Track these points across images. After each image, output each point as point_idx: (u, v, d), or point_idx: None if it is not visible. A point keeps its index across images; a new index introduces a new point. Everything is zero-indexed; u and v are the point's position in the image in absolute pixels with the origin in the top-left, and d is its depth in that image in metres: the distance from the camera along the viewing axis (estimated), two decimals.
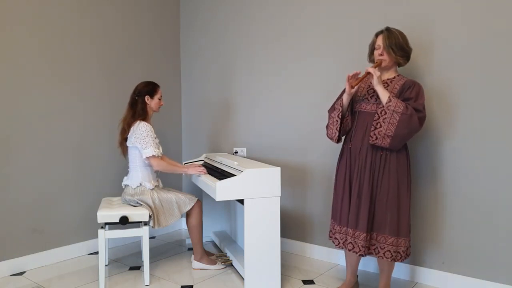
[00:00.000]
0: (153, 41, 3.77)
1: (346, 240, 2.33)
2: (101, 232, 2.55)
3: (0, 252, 2.77)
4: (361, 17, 2.83)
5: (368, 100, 2.35)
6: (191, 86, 4.01)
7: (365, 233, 2.25)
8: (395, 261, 2.27)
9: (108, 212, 2.59)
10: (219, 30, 3.73)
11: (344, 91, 2.40)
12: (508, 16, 2.29)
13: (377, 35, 2.35)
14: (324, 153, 3.04)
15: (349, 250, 2.31)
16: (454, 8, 2.46)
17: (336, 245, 2.39)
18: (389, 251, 2.25)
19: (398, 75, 2.37)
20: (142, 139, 2.71)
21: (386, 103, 2.19)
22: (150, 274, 2.74)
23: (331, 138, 2.43)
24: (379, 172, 2.27)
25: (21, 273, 2.83)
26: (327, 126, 2.46)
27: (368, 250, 2.29)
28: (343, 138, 2.47)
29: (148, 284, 2.63)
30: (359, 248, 2.26)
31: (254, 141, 3.50)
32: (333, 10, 2.98)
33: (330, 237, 2.45)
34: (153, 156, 2.72)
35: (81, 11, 3.20)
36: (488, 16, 2.35)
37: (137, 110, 2.82)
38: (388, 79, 2.35)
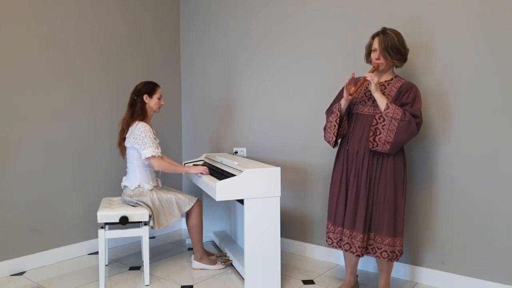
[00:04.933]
0: (153, 41, 3.77)
1: (341, 240, 2.35)
2: (101, 232, 2.55)
3: (0, 252, 2.77)
4: (362, 17, 2.82)
5: (366, 103, 2.36)
6: (191, 86, 4.00)
7: (362, 234, 2.27)
8: (391, 260, 2.29)
9: (108, 212, 2.59)
10: (219, 30, 3.72)
11: (341, 92, 2.42)
12: (508, 17, 2.29)
13: (373, 37, 2.34)
14: (324, 153, 3.03)
15: (346, 251, 2.33)
16: (453, 8, 2.46)
17: (329, 244, 2.41)
18: (385, 251, 2.27)
19: (395, 77, 2.37)
20: (141, 140, 2.70)
21: (384, 110, 2.20)
22: (150, 274, 2.74)
23: (328, 142, 2.45)
24: (376, 174, 2.28)
25: (21, 273, 2.83)
26: (324, 128, 2.48)
27: (365, 250, 2.31)
28: (339, 141, 2.49)
29: (148, 284, 2.63)
30: (356, 249, 2.28)
31: (254, 141, 3.50)
32: (334, 9, 2.98)
33: (326, 236, 2.46)
34: (153, 156, 2.72)
35: (81, 11, 3.20)
36: (487, 15, 2.35)
37: (136, 110, 2.81)
38: (385, 81, 2.36)
